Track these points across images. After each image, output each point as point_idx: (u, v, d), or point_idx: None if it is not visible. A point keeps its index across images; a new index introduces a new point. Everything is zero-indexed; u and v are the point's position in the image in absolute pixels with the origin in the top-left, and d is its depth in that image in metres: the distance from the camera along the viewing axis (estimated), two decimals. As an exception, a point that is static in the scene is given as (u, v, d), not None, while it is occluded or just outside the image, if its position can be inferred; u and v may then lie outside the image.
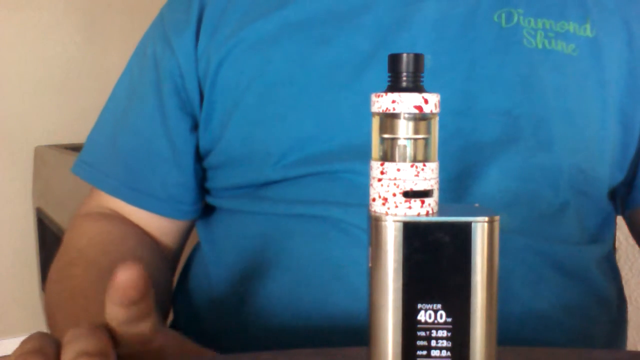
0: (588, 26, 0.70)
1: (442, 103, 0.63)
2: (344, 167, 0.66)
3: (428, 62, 0.66)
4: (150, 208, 0.75)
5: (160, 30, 0.76)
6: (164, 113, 0.74)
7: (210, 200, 0.76)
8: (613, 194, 0.75)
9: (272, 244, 0.68)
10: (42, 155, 2.10)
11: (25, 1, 2.13)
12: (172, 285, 0.78)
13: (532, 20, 0.69)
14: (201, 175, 0.76)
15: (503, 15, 0.69)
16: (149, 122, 0.74)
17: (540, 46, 0.69)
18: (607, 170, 0.71)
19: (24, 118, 2.15)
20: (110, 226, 0.74)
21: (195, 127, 0.74)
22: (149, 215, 0.75)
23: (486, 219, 0.37)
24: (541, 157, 0.67)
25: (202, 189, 0.77)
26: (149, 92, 0.75)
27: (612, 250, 0.77)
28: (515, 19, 0.69)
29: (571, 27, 0.70)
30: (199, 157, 0.75)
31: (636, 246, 1.46)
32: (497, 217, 0.37)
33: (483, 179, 0.65)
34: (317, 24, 0.69)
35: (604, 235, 0.74)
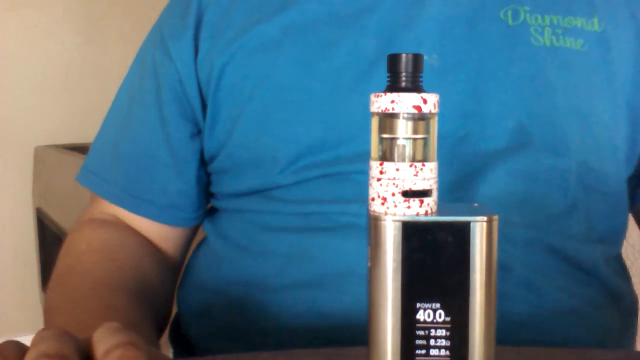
0: (596, 20, 0.70)
1: (450, 103, 0.63)
2: (354, 169, 0.66)
3: (435, 61, 0.66)
4: (151, 215, 0.75)
5: (159, 37, 0.76)
6: (164, 120, 0.73)
7: (216, 203, 0.76)
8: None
9: (284, 239, 0.68)
10: (42, 155, 2.10)
11: (25, 1, 2.13)
12: (173, 292, 0.78)
13: (539, 17, 0.69)
14: (204, 181, 0.76)
15: (509, 13, 0.68)
16: (149, 129, 0.74)
17: (548, 43, 0.68)
18: (618, 166, 0.71)
19: (24, 118, 2.15)
20: (109, 233, 0.74)
21: (196, 133, 0.74)
22: (150, 222, 0.75)
23: (485, 218, 0.37)
24: (550, 158, 0.67)
25: (205, 196, 0.77)
26: (149, 99, 0.75)
27: (620, 253, 0.77)
28: (522, 16, 0.68)
29: (579, 22, 0.69)
30: (203, 162, 0.75)
31: (636, 246, 1.46)
32: (495, 217, 0.37)
33: (490, 181, 0.65)
34: (321, 27, 0.69)
35: (614, 236, 0.74)
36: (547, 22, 0.69)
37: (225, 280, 0.71)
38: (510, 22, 0.68)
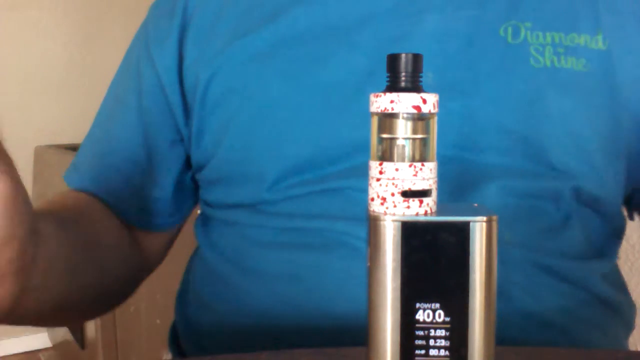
0: (600, 37, 0.67)
1: (445, 123, 0.61)
2: (345, 185, 0.64)
3: (429, 80, 0.63)
4: (124, 217, 0.73)
5: (144, 37, 0.74)
6: (144, 126, 0.72)
7: (206, 210, 0.74)
8: (626, 201, 0.73)
9: (272, 256, 0.67)
10: (42, 155, 2.10)
11: (25, 1, 2.13)
12: (138, 274, 0.76)
13: (541, 34, 0.66)
14: (188, 187, 0.75)
15: (509, 30, 0.66)
16: (129, 132, 0.73)
17: (548, 64, 0.65)
18: (617, 188, 0.68)
19: (24, 118, 2.15)
20: (87, 196, 0.73)
21: (178, 140, 0.72)
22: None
23: (484, 218, 0.37)
24: (544, 181, 0.65)
25: (184, 201, 0.76)
26: (131, 100, 0.73)
27: (616, 263, 0.76)
28: (523, 34, 0.66)
29: (582, 40, 0.66)
30: (187, 167, 0.74)
31: (636, 246, 1.46)
32: (495, 217, 0.37)
33: (481, 196, 0.64)
34: (312, 40, 0.66)
35: (611, 249, 0.72)
36: (549, 39, 0.66)
37: (218, 296, 0.70)
38: (509, 39, 0.65)
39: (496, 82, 0.65)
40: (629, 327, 0.74)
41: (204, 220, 0.76)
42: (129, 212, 0.73)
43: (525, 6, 0.67)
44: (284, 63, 0.66)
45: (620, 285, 0.74)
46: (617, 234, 0.73)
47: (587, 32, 0.67)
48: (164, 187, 0.73)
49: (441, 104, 0.61)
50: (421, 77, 0.39)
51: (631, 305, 0.74)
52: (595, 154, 0.66)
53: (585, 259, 0.68)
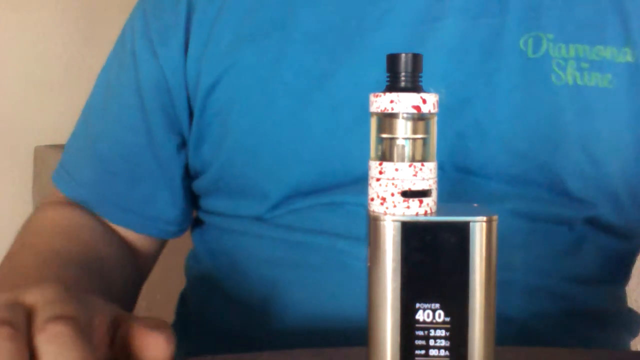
0: (628, 50, 0.62)
1: (456, 141, 0.59)
2: (349, 200, 0.62)
3: (443, 96, 0.61)
4: (132, 226, 0.69)
5: (142, 25, 0.68)
6: (150, 128, 0.68)
7: (203, 216, 0.72)
8: None
9: (270, 268, 0.65)
10: (42, 155, 2.10)
11: (25, 1, 2.13)
12: (140, 284, 0.74)
13: (564, 47, 0.61)
14: (190, 194, 0.72)
15: (530, 42, 0.61)
16: (131, 131, 0.68)
17: (570, 81, 0.61)
18: (638, 213, 0.65)
19: (24, 118, 2.15)
20: (72, 214, 0.68)
21: (182, 145, 0.69)
22: (124, 229, 0.70)
23: (484, 218, 0.37)
24: (558, 208, 0.62)
25: (191, 207, 0.73)
26: (129, 97, 0.68)
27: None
28: (544, 47, 0.61)
29: (608, 52, 0.62)
30: (188, 175, 0.70)
31: (636, 246, 1.45)
32: (495, 217, 0.37)
33: None
34: (319, 50, 0.62)
35: (627, 270, 0.70)
36: (572, 53, 0.61)
37: (214, 300, 0.69)
38: (530, 53, 0.61)
39: (513, 101, 0.61)
40: (633, 336, 0.73)
41: (201, 224, 0.73)
42: (141, 221, 0.69)
43: (549, 15, 0.62)
44: (291, 78, 0.63)
45: (626, 301, 0.72)
46: (634, 255, 0.70)
47: (614, 44, 0.62)
48: (176, 191, 0.69)
49: (452, 121, 0.60)
50: (421, 76, 0.39)
51: (632, 312, 0.73)
52: (615, 179, 0.63)
53: (597, 283, 0.65)
